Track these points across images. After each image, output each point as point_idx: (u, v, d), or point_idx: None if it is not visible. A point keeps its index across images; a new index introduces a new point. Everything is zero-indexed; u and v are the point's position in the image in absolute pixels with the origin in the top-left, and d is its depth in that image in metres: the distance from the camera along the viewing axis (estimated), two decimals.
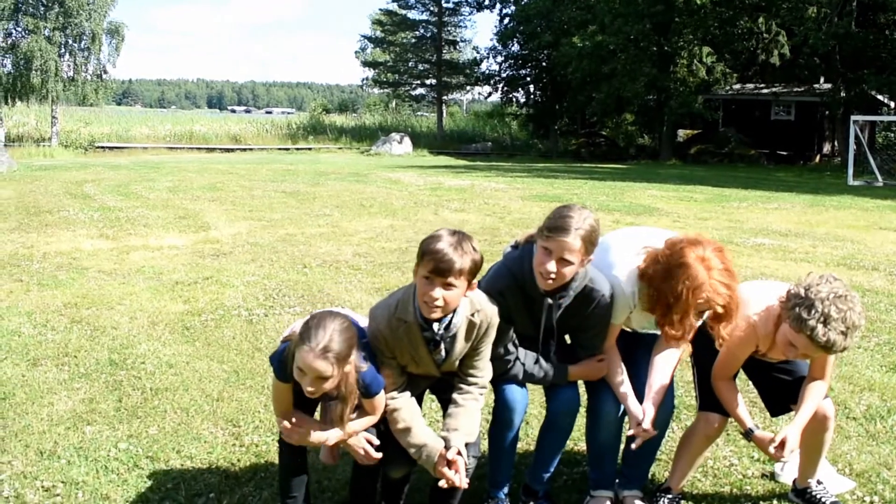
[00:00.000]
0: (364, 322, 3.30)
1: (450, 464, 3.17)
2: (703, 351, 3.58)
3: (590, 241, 3.22)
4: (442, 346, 3.23)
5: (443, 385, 3.49)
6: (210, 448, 4.36)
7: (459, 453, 3.19)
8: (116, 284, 7.97)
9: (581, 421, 3.80)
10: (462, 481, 3.18)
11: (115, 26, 38.35)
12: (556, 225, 3.20)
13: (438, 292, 3.03)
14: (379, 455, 3.28)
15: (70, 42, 37.22)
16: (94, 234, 10.91)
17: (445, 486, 3.17)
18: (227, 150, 38.31)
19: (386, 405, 3.27)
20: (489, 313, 3.28)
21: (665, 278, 3.22)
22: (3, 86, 35.94)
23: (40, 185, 16.95)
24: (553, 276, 3.22)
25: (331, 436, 3.24)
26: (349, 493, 3.65)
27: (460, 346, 3.27)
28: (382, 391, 3.22)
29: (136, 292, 7.66)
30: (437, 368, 3.32)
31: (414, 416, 3.28)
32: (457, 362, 3.33)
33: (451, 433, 3.23)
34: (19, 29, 36.47)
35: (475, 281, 3.15)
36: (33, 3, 36.36)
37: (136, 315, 6.88)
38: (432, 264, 3.01)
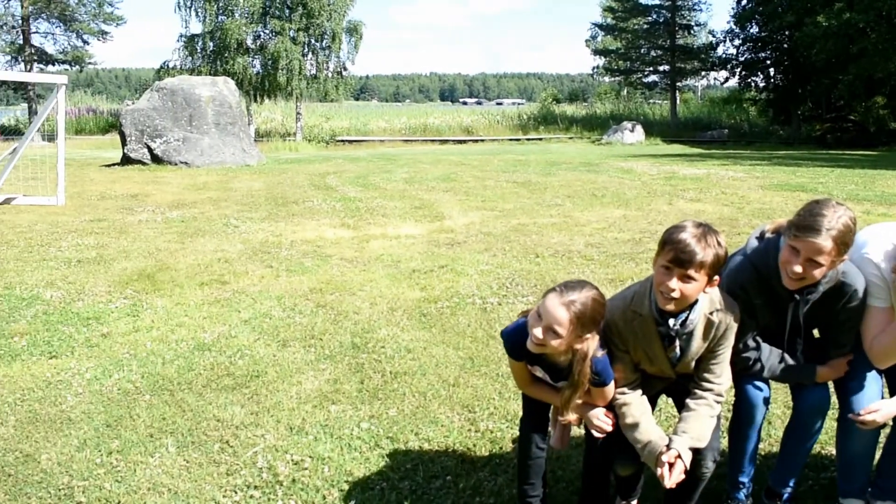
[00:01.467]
0: None
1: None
2: None
3: (843, 242, 2.98)
4: (677, 342, 3.12)
5: (680, 389, 3.36)
6: (447, 432, 4.47)
7: (679, 456, 3.04)
8: (357, 271, 8.31)
9: (830, 424, 3.58)
10: (671, 482, 3.01)
11: (353, 25, 40.07)
12: (805, 224, 2.99)
13: (675, 283, 2.92)
14: (610, 427, 3.24)
15: (312, 42, 39.27)
16: (336, 223, 11.42)
17: (668, 485, 3.04)
18: (460, 142, 39.21)
19: (615, 399, 3.22)
20: (729, 314, 3.12)
21: None
22: (253, 85, 38.51)
23: (287, 177, 17.92)
24: (800, 277, 3.05)
25: (558, 401, 3.27)
26: (582, 484, 3.62)
27: (697, 345, 3.14)
28: (612, 384, 3.18)
29: (376, 279, 7.96)
30: (672, 368, 3.22)
31: (644, 413, 3.20)
32: (692, 363, 3.20)
33: (675, 436, 3.10)
34: (267, 31, 38.92)
35: (716, 277, 3.00)
36: (279, 7, 38.63)
37: (376, 301, 7.15)
38: (672, 254, 2.91)
